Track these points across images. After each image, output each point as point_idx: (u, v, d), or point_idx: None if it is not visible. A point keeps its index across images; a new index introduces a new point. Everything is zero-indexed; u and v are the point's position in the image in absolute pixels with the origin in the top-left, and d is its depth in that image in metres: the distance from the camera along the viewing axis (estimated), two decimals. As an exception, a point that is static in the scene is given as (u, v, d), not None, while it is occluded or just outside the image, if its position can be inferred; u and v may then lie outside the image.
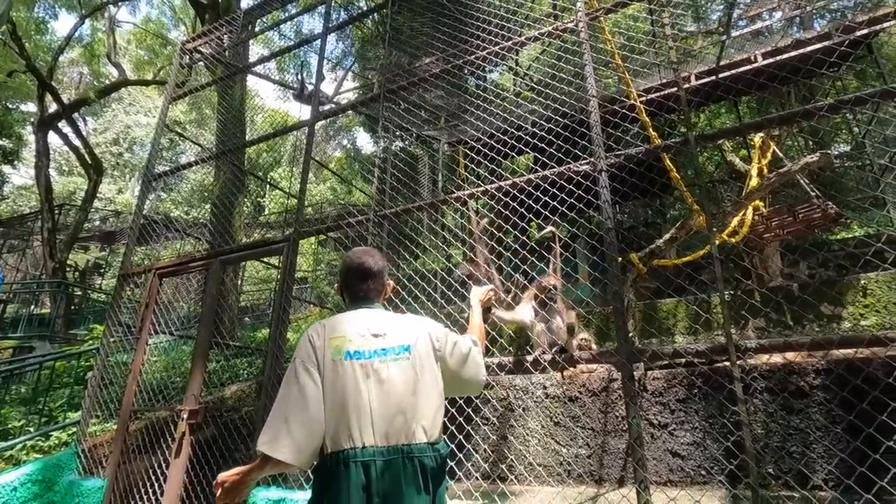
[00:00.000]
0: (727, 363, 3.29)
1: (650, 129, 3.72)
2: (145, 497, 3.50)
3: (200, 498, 3.50)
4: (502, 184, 2.65)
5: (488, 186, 2.67)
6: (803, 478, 2.99)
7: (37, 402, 5.04)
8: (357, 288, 1.72)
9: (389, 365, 1.51)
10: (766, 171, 5.50)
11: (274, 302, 3.34)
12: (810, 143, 10.90)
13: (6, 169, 20.99)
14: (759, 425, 3.28)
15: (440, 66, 3.81)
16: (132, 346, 4.42)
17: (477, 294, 2.08)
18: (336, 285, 1.88)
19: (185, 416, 3.37)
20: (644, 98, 4.19)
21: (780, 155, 5.98)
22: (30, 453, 4.27)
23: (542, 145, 2.96)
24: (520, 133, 3.04)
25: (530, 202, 2.67)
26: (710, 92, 5.10)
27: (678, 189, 4.15)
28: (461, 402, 3.09)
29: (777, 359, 3.42)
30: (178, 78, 6.48)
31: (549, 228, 2.67)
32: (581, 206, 2.61)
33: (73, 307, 12.33)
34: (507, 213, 3.23)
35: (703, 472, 3.32)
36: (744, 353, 1.84)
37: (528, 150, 4.00)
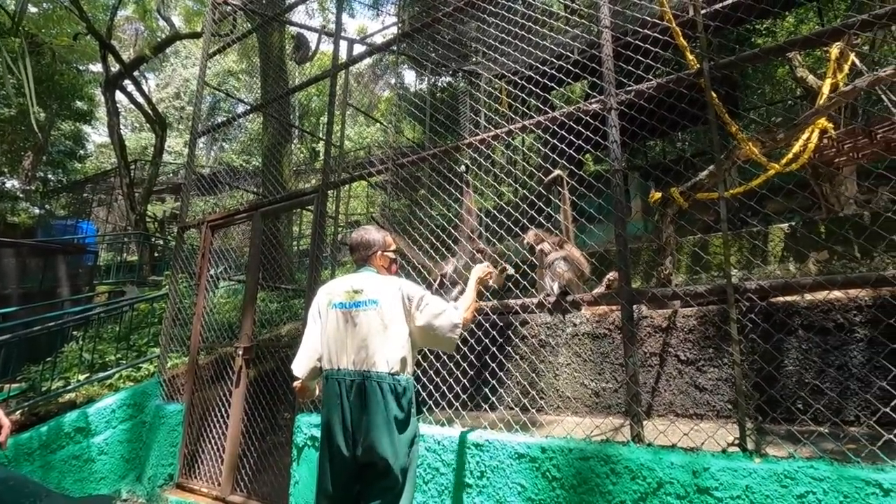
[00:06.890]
0: (784, 298, 3.19)
1: (688, 53, 3.42)
2: (216, 418, 4.05)
3: (263, 419, 3.99)
4: (511, 127, 2.61)
5: (498, 131, 2.64)
6: (837, 412, 2.95)
7: (128, 339, 5.80)
8: (353, 256, 2.33)
9: (361, 313, 2.05)
10: (841, 86, 4.93)
11: (310, 249, 3.58)
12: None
13: (86, 129, 22.64)
14: (793, 362, 3.21)
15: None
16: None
17: (476, 272, 2.38)
18: None
19: (241, 352, 3.79)
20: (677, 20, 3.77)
21: (862, 67, 5.28)
22: (125, 382, 4.99)
23: (592, 77, 2.83)
24: (560, 64, 2.91)
25: (573, 138, 2.61)
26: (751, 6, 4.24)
27: (721, 119, 3.83)
28: (494, 333, 3.23)
29: (837, 294, 3.26)
30: (220, 30, 6.60)
31: (557, 172, 2.62)
32: (625, 139, 2.53)
33: (155, 254, 13.62)
34: (514, 156, 3.17)
35: (729, 407, 3.33)
36: (742, 294, 1.80)
37: (568, 81, 3.82)
